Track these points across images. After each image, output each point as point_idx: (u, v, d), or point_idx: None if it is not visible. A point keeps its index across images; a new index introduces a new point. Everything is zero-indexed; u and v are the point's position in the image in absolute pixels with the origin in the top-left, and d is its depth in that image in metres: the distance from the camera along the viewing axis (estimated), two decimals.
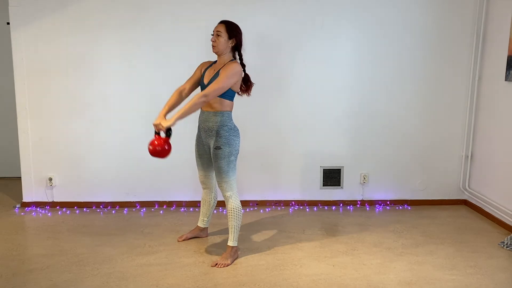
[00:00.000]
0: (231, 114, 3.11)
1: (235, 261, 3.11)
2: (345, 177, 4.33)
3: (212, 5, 3.99)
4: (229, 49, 3.07)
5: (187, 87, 3.20)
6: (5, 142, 5.07)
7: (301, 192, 4.33)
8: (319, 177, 4.32)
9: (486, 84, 4.06)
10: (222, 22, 3.06)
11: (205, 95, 2.92)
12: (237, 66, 3.01)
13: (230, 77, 2.96)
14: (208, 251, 3.29)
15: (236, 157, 3.11)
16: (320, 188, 4.33)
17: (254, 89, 4.10)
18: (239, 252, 3.23)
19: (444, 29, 4.11)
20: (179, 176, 4.21)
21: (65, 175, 4.21)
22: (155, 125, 2.94)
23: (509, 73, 3.69)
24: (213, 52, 3.07)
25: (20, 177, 4.25)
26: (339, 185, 4.34)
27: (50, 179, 4.19)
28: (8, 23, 4.07)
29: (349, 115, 4.22)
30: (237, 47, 3.09)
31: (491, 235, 3.62)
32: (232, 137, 3.07)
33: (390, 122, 4.25)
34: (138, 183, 4.25)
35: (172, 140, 4.25)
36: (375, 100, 4.21)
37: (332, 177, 4.32)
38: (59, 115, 4.11)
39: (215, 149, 3.06)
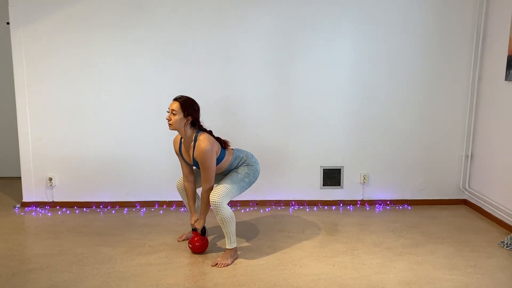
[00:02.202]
0: (235, 155, 3.19)
1: (235, 261, 3.11)
2: (345, 177, 4.33)
3: (213, 5, 3.99)
4: (187, 126, 3.03)
5: (186, 172, 3.23)
6: (5, 142, 5.07)
7: (301, 192, 4.33)
8: (319, 177, 4.32)
9: (486, 84, 4.06)
10: (177, 100, 3.03)
11: (209, 190, 3.05)
12: (206, 145, 2.96)
13: (209, 161, 2.99)
14: (208, 250, 3.29)
15: (249, 183, 3.20)
16: (320, 188, 4.33)
17: (254, 89, 4.13)
18: (239, 252, 3.23)
19: (444, 29, 4.11)
20: (179, 176, 4.19)
21: (65, 175, 4.21)
22: (192, 225, 3.22)
23: (509, 73, 3.69)
24: (170, 129, 3.04)
25: (20, 177, 4.25)
26: (339, 185, 4.34)
27: (50, 179, 4.19)
28: (8, 23, 4.07)
29: (349, 115, 4.22)
30: (194, 123, 3.06)
31: (491, 235, 3.62)
32: (252, 164, 3.21)
33: (390, 122, 4.25)
34: (138, 183, 4.25)
35: (171, 139, 4.25)
36: (375, 100, 4.21)
37: (332, 177, 4.32)
38: (59, 115, 4.11)
39: (234, 169, 3.20)
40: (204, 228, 3.24)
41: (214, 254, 3.24)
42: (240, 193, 3.16)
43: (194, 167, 3.28)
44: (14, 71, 4.04)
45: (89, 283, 2.80)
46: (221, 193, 3.00)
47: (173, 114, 3.00)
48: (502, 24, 3.80)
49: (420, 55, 4.15)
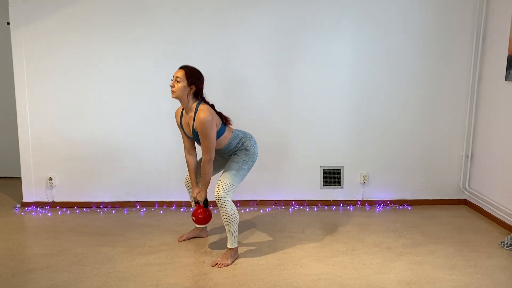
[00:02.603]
0: (235, 134, 3.16)
1: (235, 261, 3.11)
2: (345, 177, 4.33)
3: (212, 5, 3.99)
4: (190, 96, 3.01)
5: (187, 145, 3.22)
6: (5, 142, 5.07)
7: (301, 192, 4.33)
8: (319, 177, 4.32)
9: (486, 84, 4.06)
10: (182, 68, 3.02)
11: (208, 160, 3.03)
12: (206, 116, 2.94)
13: (209, 130, 2.96)
14: (208, 251, 3.29)
15: (249, 168, 3.17)
16: (320, 188, 4.33)
17: (254, 89, 4.13)
18: (239, 252, 3.23)
19: (444, 29, 4.11)
20: (179, 176, 4.20)
21: (65, 175, 4.21)
22: (194, 198, 3.21)
23: (509, 73, 3.69)
24: (172, 97, 3.02)
25: (20, 177, 4.25)
26: (339, 185, 4.34)
27: (50, 179, 4.19)
28: (8, 23, 4.07)
29: (349, 115, 4.22)
30: (197, 94, 3.04)
31: (491, 235, 3.62)
32: (250, 147, 3.16)
33: (390, 122, 4.25)
34: (138, 183, 4.25)
35: (171, 139, 4.24)
36: (375, 100, 4.21)
37: (332, 177, 4.32)
38: (59, 115, 4.11)
39: (233, 154, 3.17)
40: (206, 200, 3.20)
41: (214, 254, 3.24)
42: (242, 180, 3.16)
43: (196, 143, 3.24)
44: (14, 71, 4.04)
45: (89, 283, 2.80)
46: (224, 188, 3.02)
47: (177, 81, 2.98)
48: (502, 24, 3.80)
49: (420, 55, 4.15)
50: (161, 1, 3.99)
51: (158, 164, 4.22)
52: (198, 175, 3.31)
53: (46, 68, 4.04)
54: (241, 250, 3.29)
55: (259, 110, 4.17)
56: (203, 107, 3.00)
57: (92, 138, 4.16)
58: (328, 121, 4.22)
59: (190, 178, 3.27)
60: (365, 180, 4.33)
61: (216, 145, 3.09)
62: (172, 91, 3.00)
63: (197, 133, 3.03)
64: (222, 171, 3.19)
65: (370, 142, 4.27)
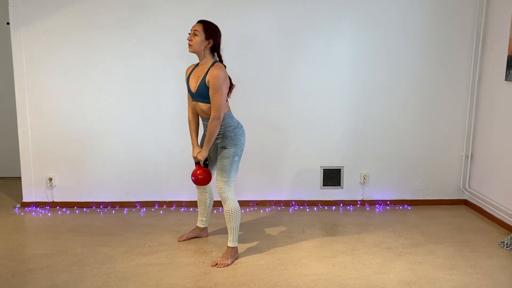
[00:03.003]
0: (231, 113, 3.11)
1: (235, 261, 3.11)
2: (345, 177, 4.33)
3: (212, 4, 3.99)
4: (207, 50, 3.00)
5: (192, 103, 3.16)
6: (5, 142, 5.07)
7: (301, 192, 4.33)
8: (319, 177, 4.32)
9: (486, 84, 4.06)
10: (200, 21, 3.01)
11: (217, 118, 2.95)
12: (221, 72, 2.92)
13: (221, 86, 2.92)
14: (208, 251, 3.29)
15: (240, 158, 3.12)
16: (320, 188, 4.33)
17: (254, 89, 4.13)
18: (239, 252, 3.23)
19: (444, 29, 4.11)
20: (179, 176, 4.21)
21: (65, 175, 4.21)
22: (194, 158, 3.14)
23: (509, 73, 3.69)
24: (189, 51, 3.01)
25: (20, 177, 4.25)
26: (339, 185, 4.34)
27: (50, 179, 4.19)
28: (8, 23, 4.07)
29: (349, 115, 4.22)
30: (214, 48, 3.02)
31: (491, 235, 3.62)
32: (238, 136, 3.09)
33: (390, 122, 4.25)
34: (138, 183, 4.25)
35: (171, 139, 4.23)
36: (375, 100, 4.21)
37: (332, 177, 4.32)
38: (59, 115, 4.11)
39: (221, 148, 3.10)
40: (207, 160, 3.15)
41: (214, 254, 3.24)
42: (237, 170, 3.13)
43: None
44: (14, 71, 4.04)
45: (89, 283, 2.80)
46: (225, 187, 3.06)
47: (195, 35, 2.95)
48: (502, 24, 3.80)
49: (420, 55, 4.15)
50: (161, 0, 3.99)
51: (158, 164, 4.22)
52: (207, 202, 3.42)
53: (46, 68, 4.04)
54: (241, 250, 3.29)
55: (259, 110, 4.17)
56: (219, 65, 2.98)
57: (92, 138, 4.15)
58: (328, 121, 4.22)
59: (191, 138, 3.21)
60: (365, 180, 4.33)
61: (210, 113, 3.01)
62: (190, 45, 2.98)
63: (202, 87, 2.96)
64: (216, 168, 3.18)
65: (370, 142, 4.27)
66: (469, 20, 4.10)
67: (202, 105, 3.04)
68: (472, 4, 4.08)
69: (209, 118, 3.02)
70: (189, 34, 3.00)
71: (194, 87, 3.05)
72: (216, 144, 3.16)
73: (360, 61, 4.14)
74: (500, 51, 3.82)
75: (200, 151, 3.12)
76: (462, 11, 4.09)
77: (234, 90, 3.13)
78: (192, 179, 3.18)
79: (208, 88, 2.95)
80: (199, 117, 3.19)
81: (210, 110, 3.00)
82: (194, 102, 3.11)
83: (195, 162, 3.20)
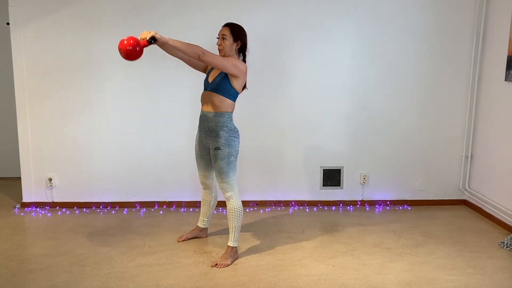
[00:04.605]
0: (231, 115, 3.11)
1: (235, 261, 3.11)
2: (345, 177, 4.33)
3: (213, 5, 3.99)
4: (234, 51, 3.08)
5: (202, 94, 3.15)
6: (5, 142, 5.07)
7: (301, 192, 4.33)
8: (319, 177, 4.31)
9: (486, 84, 4.06)
10: (227, 25, 3.07)
11: (203, 52, 2.84)
12: (242, 64, 3.02)
13: (233, 64, 2.95)
14: (208, 251, 3.29)
15: (236, 157, 3.11)
16: (320, 188, 4.33)
17: (254, 89, 4.12)
18: (239, 252, 3.22)
19: (444, 29, 4.11)
20: (179, 176, 4.21)
21: (65, 175, 4.21)
22: (143, 33, 2.77)
23: (509, 73, 3.69)
24: (220, 55, 3.06)
25: (20, 177, 4.24)
26: (339, 185, 4.34)
27: (50, 179, 4.19)
28: (8, 23, 4.07)
29: (349, 115, 4.22)
30: (242, 49, 3.10)
31: (491, 235, 3.62)
32: (232, 137, 3.07)
33: (390, 122, 4.25)
34: (138, 183, 4.25)
35: (171, 139, 4.25)
36: (375, 100, 4.21)
37: (332, 177, 4.32)
38: (59, 115, 4.11)
39: (214, 150, 3.07)
40: (154, 39, 2.75)
41: (214, 254, 3.24)
42: (236, 168, 3.12)
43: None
44: (14, 71, 4.04)
45: (89, 284, 2.80)
46: (228, 188, 3.09)
47: (224, 39, 3.02)
48: (502, 24, 3.80)
49: (420, 55, 4.15)
50: (163, 1, 3.98)
51: (158, 164, 4.22)
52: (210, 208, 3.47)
53: (46, 68, 4.04)
54: (241, 250, 3.29)
55: (259, 110, 4.17)
56: (242, 62, 3.07)
57: (92, 138, 4.15)
58: (328, 121, 4.22)
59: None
60: (365, 180, 4.32)
61: (218, 99, 3.01)
62: (219, 49, 3.04)
63: (218, 77, 3.01)
64: (214, 173, 3.20)
65: (370, 142, 4.27)
66: (469, 20, 4.10)
67: (210, 93, 3.04)
68: (472, 4, 4.08)
69: (210, 110, 3.05)
70: (217, 38, 3.06)
71: (211, 77, 3.10)
72: (208, 145, 3.14)
73: (360, 61, 4.14)
74: (500, 51, 3.82)
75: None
76: (462, 11, 4.09)
77: None
78: (119, 48, 2.68)
79: (226, 78, 2.99)
80: (201, 108, 3.16)
81: (216, 101, 3.03)
82: (204, 92, 3.13)
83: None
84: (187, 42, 2.89)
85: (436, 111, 4.25)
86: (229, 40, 3.02)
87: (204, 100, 3.12)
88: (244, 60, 3.13)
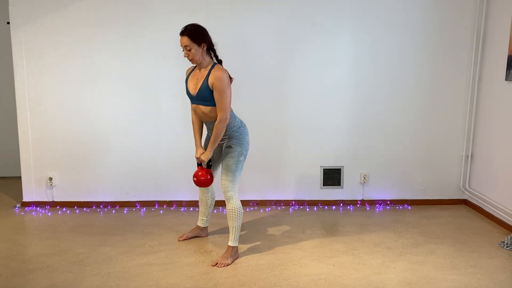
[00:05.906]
0: (233, 112, 3.12)
1: (235, 261, 3.11)
2: (345, 177, 4.33)
3: (212, 5, 3.99)
4: (204, 53, 2.98)
5: (192, 106, 3.16)
6: (5, 142, 5.07)
7: (301, 192, 4.33)
8: (319, 177, 4.31)
9: (486, 84, 4.06)
10: (183, 34, 2.93)
11: (224, 120, 2.96)
12: (224, 74, 2.94)
13: (226, 88, 2.93)
14: (208, 250, 3.29)
15: (245, 158, 3.14)
16: (320, 188, 4.33)
17: (254, 89, 4.13)
18: (239, 252, 3.23)
19: (444, 29, 4.11)
20: (179, 176, 4.21)
21: (65, 175, 4.21)
22: (197, 159, 3.13)
23: (509, 73, 3.69)
24: (193, 64, 3.03)
25: (20, 177, 4.25)
26: (339, 185, 4.34)
27: (50, 179, 4.19)
28: (8, 23, 4.07)
29: (349, 115, 4.22)
30: (209, 48, 3.02)
31: (491, 235, 3.62)
32: (243, 135, 3.11)
33: (390, 122, 4.25)
34: (138, 183, 4.25)
35: (171, 139, 4.23)
36: (375, 100, 4.21)
37: (332, 177, 4.32)
38: (59, 114, 4.11)
39: (226, 148, 3.12)
40: (210, 161, 3.15)
41: (214, 254, 3.24)
42: (242, 170, 3.14)
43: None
44: (14, 71, 4.04)
45: (89, 283, 2.80)
46: (230, 186, 3.08)
47: (189, 50, 2.94)
48: (502, 24, 3.80)
49: (420, 55, 4.15)
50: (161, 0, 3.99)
51: (158, 164, 4.22)
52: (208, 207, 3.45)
53: (46, 68, 4.04)
54: (241, 250, 3.29)
55: (260, 110, 4.16)
56: (219, 67, 3.00)
57: (92, 138, 4.15)
58: (328, 121, 4.22)
59: (195, 139, 3.18)
60: (365, 180, 4.33)
61: (213, 111, 3.00)
62: (190, 60, 2.97)
63: (204, 90, 2.95)
64: (221, 167, 3.18)
65: (370, 142, 4.27)
66: (469, 20, 4.10)
67: (203, 108, 3.04)
68: (472, 4, 4.07)
69: (211, 121, 3.05)
70: (183, 51, 2.98)
71: (193, 89, 3.04)
72: (220, 145, 3.18)
73: (360, 61, 4.14)
74: (500, 51, 3.82)
75: (203, 152, 3.12)
76: (462, 11, 4.09)
77: (234, 91, 3.13)
78: (194, 180, 3.16)
79: (211, 90, 2.96)
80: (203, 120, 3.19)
81: (212, 112, 3.02)
82: (194, 105, 3.11)
83: (197, 163, 3.19)
84: (215, 134, 3.01)
85: (436, 110, 4.24)
86: (193, 47, 2.92)
87: (198, 112, 3.10)
88: (216, 57, 3.05)
